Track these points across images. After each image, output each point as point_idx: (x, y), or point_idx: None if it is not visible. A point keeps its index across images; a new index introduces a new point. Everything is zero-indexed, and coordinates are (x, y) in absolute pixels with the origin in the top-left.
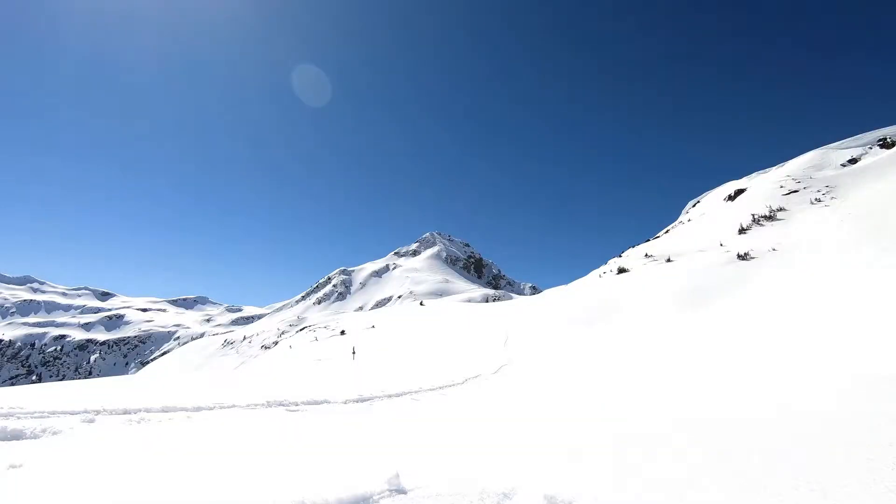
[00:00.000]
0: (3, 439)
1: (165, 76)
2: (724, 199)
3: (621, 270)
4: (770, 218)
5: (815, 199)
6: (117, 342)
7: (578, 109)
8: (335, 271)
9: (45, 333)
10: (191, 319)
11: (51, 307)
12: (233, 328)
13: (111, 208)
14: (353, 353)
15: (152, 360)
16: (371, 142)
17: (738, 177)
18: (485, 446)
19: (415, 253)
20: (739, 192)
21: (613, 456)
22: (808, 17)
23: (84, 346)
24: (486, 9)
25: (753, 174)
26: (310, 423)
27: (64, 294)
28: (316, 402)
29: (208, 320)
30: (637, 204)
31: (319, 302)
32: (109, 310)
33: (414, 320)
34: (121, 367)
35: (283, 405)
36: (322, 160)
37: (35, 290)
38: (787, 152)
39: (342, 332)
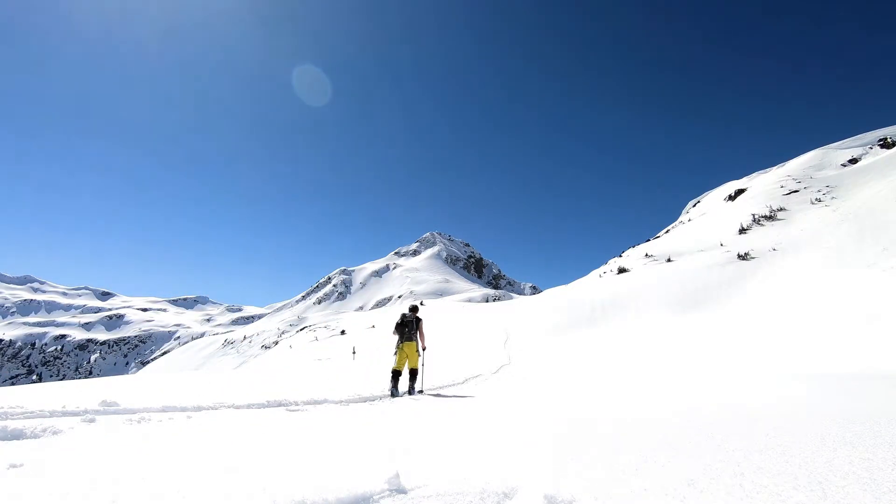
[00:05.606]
0: (3, 439)
1: (164, 75)
2: (725, 199)
3: (621, 270)
4: (770, 218)
5: (816, 199)
6: (117, 342)
7: (580, 109)
8: (335, 271)
9: (45, 333)
10: (191, 319)
11: (51, 307)
12: (233, 328)
13: (112, 208)
14: (354, 352)
15: (152, 359)
16: (371, 141)
17: (739, 177)
18: (485, 446)
19: (415, 253)
20: (740, 191)
21: (614, 456)
22: (809, 17)
23: (84, 345)
24: (488, 7)
25: (754, 174)
26: (310, 423)
27: (64, 294)
28: (316, 402)
29: (208, 320)
30: (638, 204)
31: (320, 302)
32: (109, 309)
33: None
34: (121, 367)
35: (283, 405)
36: (322, 159)
37: (35, 290)
38: (787, 152)
39: (342, 332)
